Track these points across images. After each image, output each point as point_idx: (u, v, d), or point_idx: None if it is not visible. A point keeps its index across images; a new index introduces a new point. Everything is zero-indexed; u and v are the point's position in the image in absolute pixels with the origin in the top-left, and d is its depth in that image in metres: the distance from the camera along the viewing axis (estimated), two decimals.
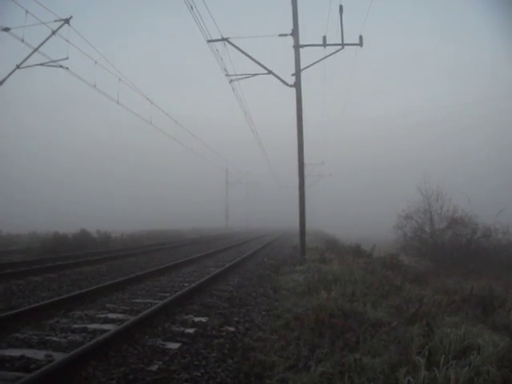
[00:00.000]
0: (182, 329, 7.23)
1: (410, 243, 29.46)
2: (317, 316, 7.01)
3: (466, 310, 9.21)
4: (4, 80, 19.03)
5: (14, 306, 8.79)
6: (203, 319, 7.91)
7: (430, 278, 16.90)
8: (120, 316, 8.11)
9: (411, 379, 4.35)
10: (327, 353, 5.53)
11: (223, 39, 18.50)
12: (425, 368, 4.54)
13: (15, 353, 5.78)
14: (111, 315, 8.19)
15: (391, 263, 17.74)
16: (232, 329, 7.24)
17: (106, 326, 7.29)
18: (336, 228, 68.61)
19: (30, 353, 5.81)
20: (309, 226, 24.29)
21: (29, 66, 19.22)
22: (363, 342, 5.83)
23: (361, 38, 17.95)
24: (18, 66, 19.15)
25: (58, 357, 5.48)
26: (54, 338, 6.56)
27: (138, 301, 9.65)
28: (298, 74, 18.64)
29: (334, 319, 6.90)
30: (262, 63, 19.16)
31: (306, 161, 19.73)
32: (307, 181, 23.83)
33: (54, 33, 18.31)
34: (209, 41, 18.18)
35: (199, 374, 5.10)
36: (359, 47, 18.23)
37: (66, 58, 18.55)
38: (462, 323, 6.64)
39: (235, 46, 18.63)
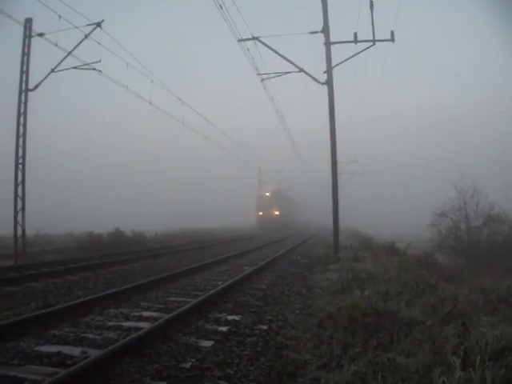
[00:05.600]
0: (215, 327, 7.27)
1: (444, 241, 29.05)
2: (350, 315, 6.97)
3: (503, 309, 9.05)
4: (39, 84, 19.37)
5: (51, 304, 8.98)
6: (236, 317, 7.94)
7: (465, 276, 16.68)
8: (154, 314, 8.19)
9: (446, 380, 4.28)
10: (360, 352, 5.49)
11: (254, 38, 18.51)
12: (460, 368, 4.46)
13: (52, 349, 5.92)
14: (145, 313, 8.28)
15: (426, 261, 17.54)
16: (265, 327, 7.25)
17: (140, 324, 7.37)
18: (370, 226, 67.96)
19: (66, 349, 5.93)
20: (342, 224, 24.15)
21: (63, 70, 19.53)
22: (397, 341, 5.77)
23: (392, 33, 17.74)
24: (52, 70, 19.46)
25: (94, 353, 5.56)
26: (90, 335, 6.67)
27: (171, 299, 9.73)
28: (329, 71, 18.53)
29: (367, 318, 6.85)
30: (293, 61, 19.14)
31: (338, 159, 19.59)
32: (340, 179, 23.72)
33: (86, 36, 18.58)
34: (239, 40, 18.22)
35: (232, 372, 5.12)
36: (391, 43, 18.04)
37: (99, 61, 18.83)
38: (498, 323, 6.52)
39: (266, 45, 18.63)
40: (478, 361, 4.60)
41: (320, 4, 18.49)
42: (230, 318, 7.93)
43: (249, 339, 6.52)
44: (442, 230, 29.89)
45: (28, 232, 19.73)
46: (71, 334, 6.72)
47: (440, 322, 6.91)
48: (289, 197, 73.17)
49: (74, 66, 19.50)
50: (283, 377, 4.97)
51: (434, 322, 6.85)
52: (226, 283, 11.05)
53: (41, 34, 18.48)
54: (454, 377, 4.31)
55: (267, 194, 61.56)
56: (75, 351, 5.86)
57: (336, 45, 18.67)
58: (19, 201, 18.83)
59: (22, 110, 19.16)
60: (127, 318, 7.88)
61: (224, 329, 7.12)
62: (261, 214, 59.58)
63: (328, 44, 18.46)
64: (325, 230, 55.28)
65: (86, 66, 19.25)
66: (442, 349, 5.14)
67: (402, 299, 8.35)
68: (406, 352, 5.36)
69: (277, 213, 59.57)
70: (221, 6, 15.14)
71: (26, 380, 4.81)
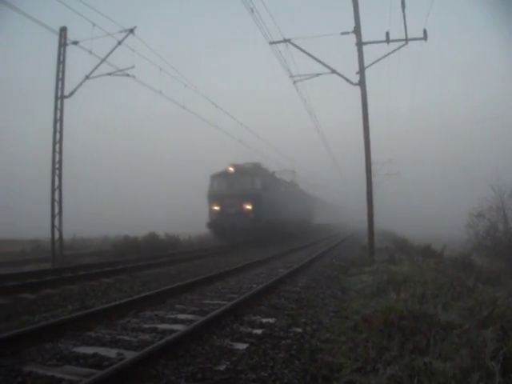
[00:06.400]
0: (249, 330, 7.29)
1: (482, 243, 28.51)
2: (386, 318, 6.89)
3: None
4: (74, 91, 19.71)
5: (88, 306, 9.14)
6: (271, 320, 7.94)
7: (504, 278, 16.31)
8: (189, 317, 8.25)
9: None
10: (396, 356, 5.41)
11: (285, 40, 18.50)
12: (500, 374, 4.37)
13: (88, 350, 6.04)
14: (180, 316, 8.35)
15: (463, 263, 17.24)
16: (300, 330, 7.23)
17: (175, 327, 7.44)
18: (405, 224, 67.19)
19: (102, 351, 6.04)
20: (378, 225, 23.90)
21: (97, 76, 19.84)
22: (433, 345, 5.67)
23: (425, 31, 17.44)
24: (87, 77, 19.78)
25: (129, 355, 5.65)
26: (125, 337, 6.77)
27: (206, 302, 9.78)
28: (362, 71, 18.37)
29: (403, 321, 6.75)
30: (325, 62, 19.04)
31: (372, 159, 19.37)
32: (374, 180, 23.50)
33: (119, 43, 18.85)
34: (271, 43, 18.24)
35: (266, 375, 5.12)
36: (424, 41, 17.73)
37: (132, 67, 19.09)
38: None
39: (297, 47, 18.57)
40: None
41: (351, 4, 18.37)
42: (264, 320, 7.93)
43: (283, 342, 6.50)
44: (480, 231, 29.37)
45: (65, 236, 20.11)
46: (107, 336, 6.83)
47: (478, 325, 6.76)
48: (289, 184, 43.82)
49: (108, 72, 19.81)
50: (318, 380, 4.94)
51: (472, 325, 6.71)
52: (261, 286, 11.06)
53: (75, 42, 18.85)
54: (493, 383, 4.22)
55: (230, 169, 31.37)
56: (111, 353, 5.96)
57: (368, 45, 18.52)
58: (56, 205, 19.18)
59: (58, 117, 19.53)
60: (162, 321, 7.97)
61: (259, 331, 7.13)
62: (216, 209, 30.44)
63: (360, 44, 18.31)
64: (357, 232, 54.54)
65: (119, 73, 19.53)
66: (480, 353, 5.02)
67: (439, 302, 8.21)
68: (442, 356, 5.26)
69: (249, 207, 29.98)
70: (252, 9, 15.16)
71: (64, 380, 4.92)
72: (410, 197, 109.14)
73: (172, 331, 7.01)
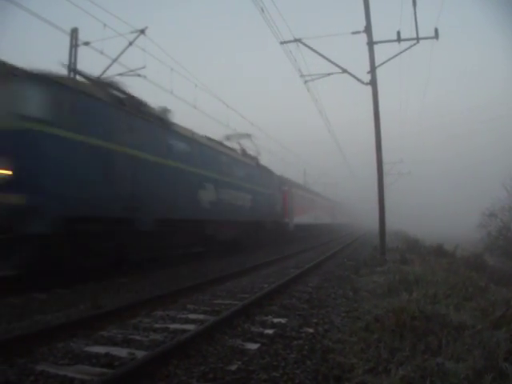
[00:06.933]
0: (261, 330, 7.27)
1: (494, 242, 28.35)
2: (397, 318, 6.86)
3: None
4: None
5: (100, 306, 9.16)
6: (282, 320, 7.92)
7: None
8: (200, 317, 8.25)
9: None
10: (408, 356, 5.39)
11: (296, 40, 18.47)
12: None
13: (100, 350, 6.05)
14: (192, 316, 8.35)
15: (475, 263, 17.14)
16: (311, 330, 7.22)
17: (186, 326, 7.45)
18: (417, 227, 66.88)
19: (114, 350, 6.05)
20: (389, 225, 23.79)
21: (108, 77, 19.87)
22: (446, 345, 5.64)
23: (436, 30, 17.32)
24: (98, 78, 19.86)
25: (141, 355, 5.67)
26: (137, 337, 6.78)
27: (218, 302, 9.78)
28: (373, 71, 18.30)
29: (415, 321, 6.72)
30: (336, 62, 18.99)
31: (384, 159, 19.27)
32: (386, 179, 23.43)
33: (130, 43, 18.90)
34: (281, 42, 18.22)
35: (278, 375, 5.11)
36: (435, 40, 17.62)
37: (143, 67, 19.11)
38: None
39: (308, 47, 18.54)
40: None
41: (362, 4, 18.29)
42: (275, 320, 7.92)
43: (295, 342, 6.50)
44: (492, 231, 29.21)
45: None
46: (119, 336, 6.85)
47: (491, 326, 6.72)
48: (223, 147, 22.73)
49: (119, 72, 19.85)
50: (329, 380, 4.93)
51: (485, 326, 6.67)
52: (273, 286, 11.06)
53: (86, 43, 18.92)
54: None
55: None
56: (123, 352, 5.97)
57: (379, 44, 18.45)
58: None
59: None
60: (174, 321, 7.97)
61: (270, 331, 7.12)
62: None
63: (371, 44, 18.23)
64: (369, 233, 54.07)
65: (131, 73, 19.56)
66: (493, 354, 5.00)
67: (451, 302, 8.16)
68: (455, 357, 5.23)
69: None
70: (262, 9, 15.14)
71: (76, 379, 4.94)
72: (420, 196, 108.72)
73: (184, 331, 7.03)
